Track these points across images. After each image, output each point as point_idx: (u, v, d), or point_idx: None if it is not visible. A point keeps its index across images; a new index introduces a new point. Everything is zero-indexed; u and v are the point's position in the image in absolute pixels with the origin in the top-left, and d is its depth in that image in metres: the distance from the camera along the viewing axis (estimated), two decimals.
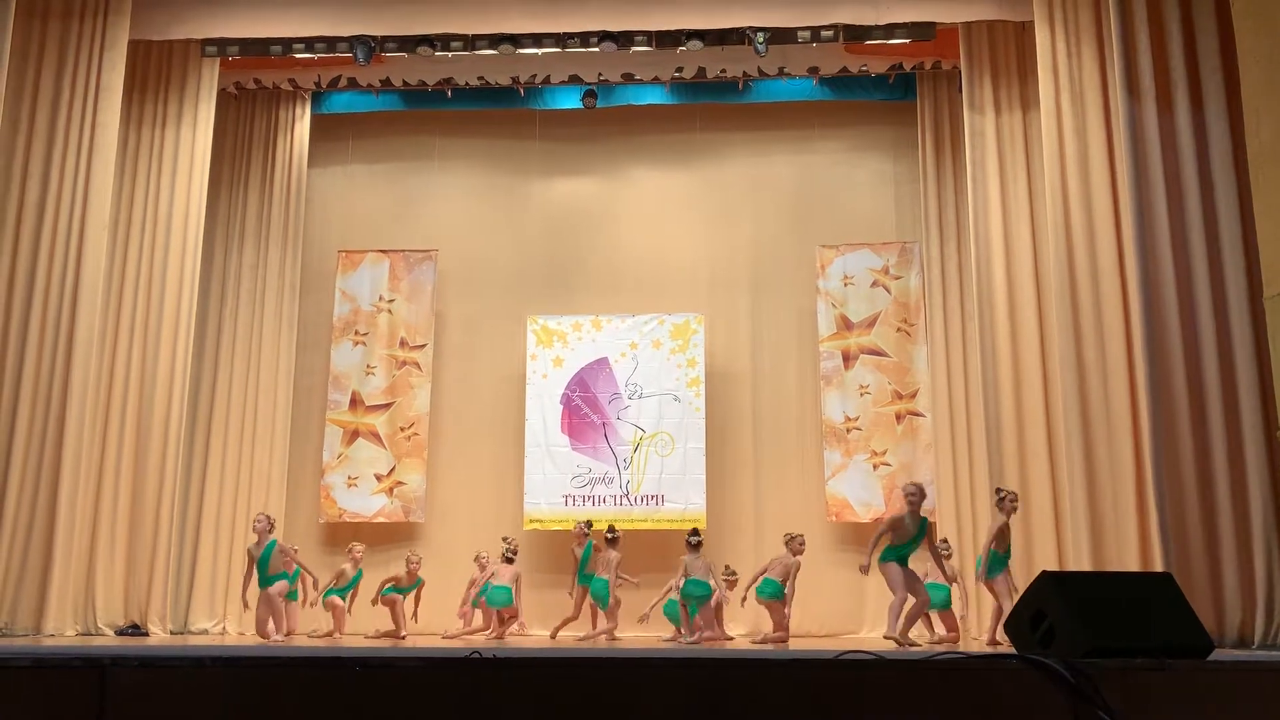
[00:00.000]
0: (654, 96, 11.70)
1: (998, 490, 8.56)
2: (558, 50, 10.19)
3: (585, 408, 11.44)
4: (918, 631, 8.61)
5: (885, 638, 8.13)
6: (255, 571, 9.16)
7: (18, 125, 9.10)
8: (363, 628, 9.95)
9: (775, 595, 9.15)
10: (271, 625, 8.97)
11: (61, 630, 8.80)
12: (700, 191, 12.13)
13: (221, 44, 10.18)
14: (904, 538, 8.04)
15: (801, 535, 9.34)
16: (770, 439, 11.43)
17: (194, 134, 10.33)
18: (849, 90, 11.54)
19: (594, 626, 9.72)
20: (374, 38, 10.06)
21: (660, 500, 11.02)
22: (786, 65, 10.87)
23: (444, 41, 10.07)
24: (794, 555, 9.21)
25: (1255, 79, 6.99)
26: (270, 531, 9.27)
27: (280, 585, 9.14)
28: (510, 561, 9.75)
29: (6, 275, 8.93)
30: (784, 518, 10.76)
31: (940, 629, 9.35)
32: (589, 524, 10.07)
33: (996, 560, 8.27)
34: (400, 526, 11.28)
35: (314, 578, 9.71)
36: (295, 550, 9.66)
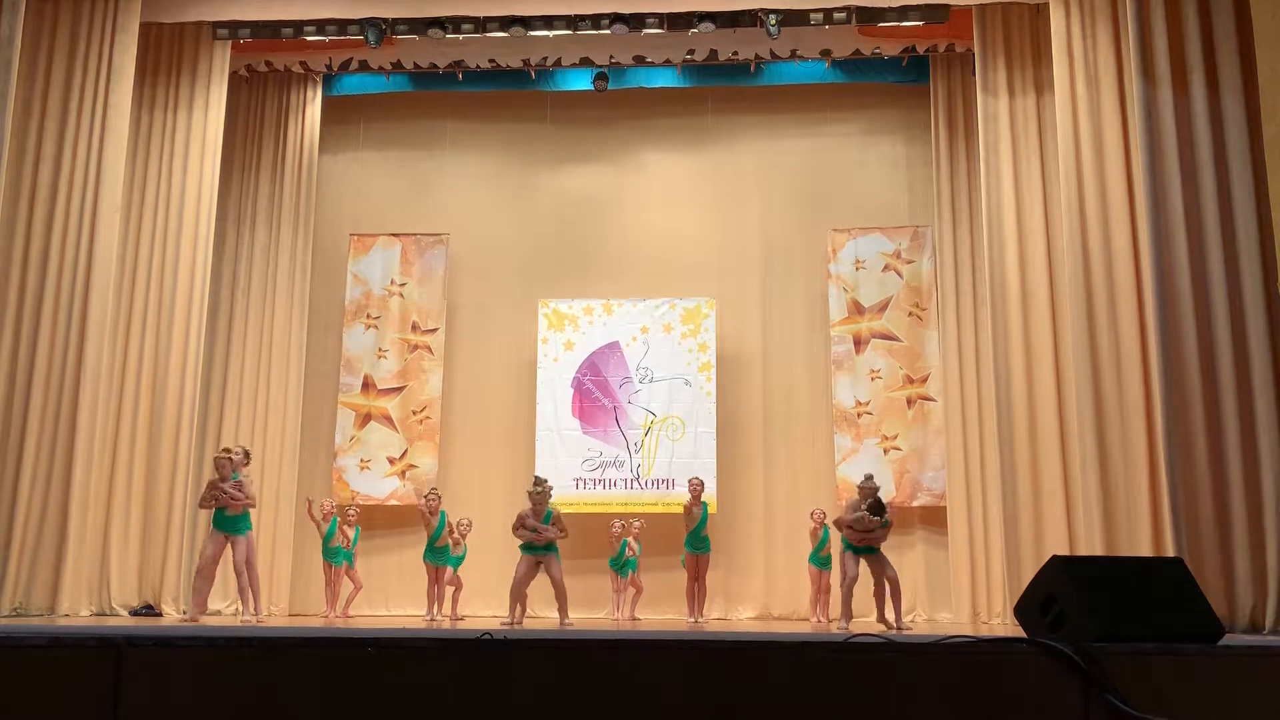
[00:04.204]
0: (665, 79, 11.65)
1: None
2: (569, 32, 10.17)
3: (596, 391, 11.44)
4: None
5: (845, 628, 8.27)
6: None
7: (30, 108, 9.11)
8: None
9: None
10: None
11: (76, 610, 8.88)
12: (712, 174, 12.08)
13: (233, 26, 10.19)
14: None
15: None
16: (781, 423, 11.41)
17: (205, 117, 10.34)
18: (861, 73, 11.47)
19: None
20: (385, 20, 10.05)
21: (671, 484, 11.03)
22: (799, 47, 10.81)
23: (455, 23, 10.05)
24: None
25: (1272, 62, 6.93)
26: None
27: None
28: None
29: (20, 258, 8.97)
30: (794, 502, 10.77)
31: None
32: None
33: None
34: (412, 510, 11.28)
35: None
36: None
